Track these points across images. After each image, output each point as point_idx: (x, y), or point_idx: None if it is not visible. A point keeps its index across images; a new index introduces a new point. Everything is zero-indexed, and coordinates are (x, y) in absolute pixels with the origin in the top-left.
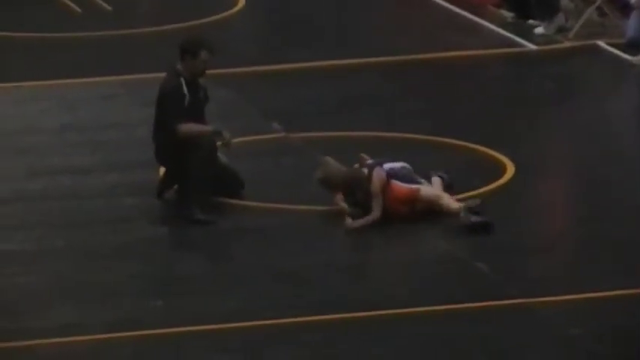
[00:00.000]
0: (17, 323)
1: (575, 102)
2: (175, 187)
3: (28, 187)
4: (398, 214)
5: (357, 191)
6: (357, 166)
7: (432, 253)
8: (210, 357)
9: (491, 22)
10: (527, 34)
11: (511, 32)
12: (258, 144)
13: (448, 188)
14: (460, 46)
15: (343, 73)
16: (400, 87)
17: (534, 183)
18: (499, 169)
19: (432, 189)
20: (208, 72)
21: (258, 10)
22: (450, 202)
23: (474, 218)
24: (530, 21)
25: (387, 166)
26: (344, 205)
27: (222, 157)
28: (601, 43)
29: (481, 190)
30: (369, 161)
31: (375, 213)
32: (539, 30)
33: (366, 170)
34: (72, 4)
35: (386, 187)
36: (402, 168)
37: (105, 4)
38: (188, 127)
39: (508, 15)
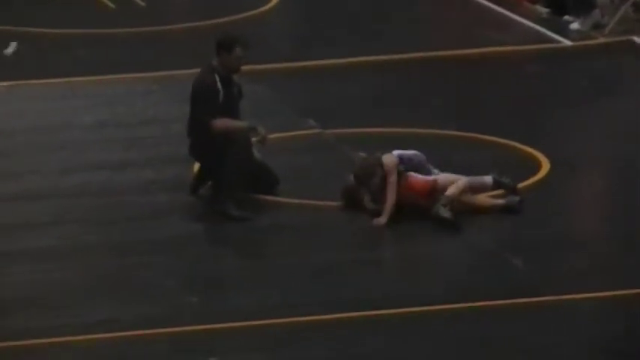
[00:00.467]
0: (53, 319)
1: (610, 98)
2: (209, 183)
3: (65, 183)
4: (418, 206)
5: (374, 177)
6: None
7: (466, 249)
8: (245, 354)
9: (526, 18)
10: (563, 30)
11: (546, 28)
12: (292, 140)
13: (496, 186)
14: (495, 42)
15: (378, 69)
16: (435, 83)
17: (569, 179)
18: (534, 166)
19: (449, 178)
20: (243, 68)
21: (292, 6)
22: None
23: (446, 214)
24: (566, 17)
25: (397, 152)
26: (372, 205)
27: (256, 153)
28: (637, 39)
29: (518, 186)
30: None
31: (390, 197)
32: (574, 26)
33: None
34: (107, 1)
35: (401, 175)
36: (415, 155)
37: (139, 1)
38: (223, 123)
39: (543, 11)
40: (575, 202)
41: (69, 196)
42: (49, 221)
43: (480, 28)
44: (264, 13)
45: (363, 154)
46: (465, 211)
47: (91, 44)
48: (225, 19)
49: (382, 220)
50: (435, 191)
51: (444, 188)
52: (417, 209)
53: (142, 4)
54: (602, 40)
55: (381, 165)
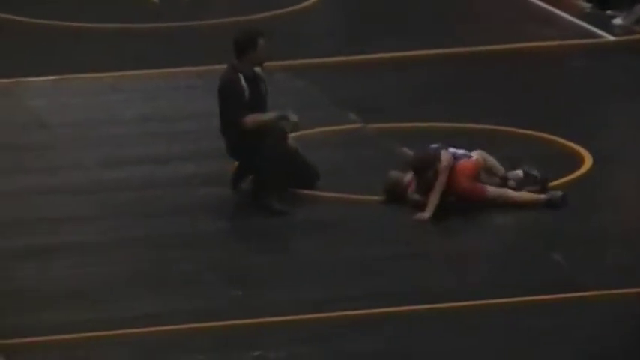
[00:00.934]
0: (95, 313)
1: None
2: (249, 178)
3: (107, 177)
4: (461, 190)
5: (429, 170)
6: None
7: (507, 244)
8: (288, 348)
9: (569, 12)
10: (605, 25)
11: (589, 23)
12: (334, 135)
13: (534, 183)
14: (537, 37)
15: (420, 63)
16: (476, 78)
17: (612, 174)
18: (577, 161)
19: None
20: (285, 63)
21: (334, 1)
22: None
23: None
24: (609, 12)
25: (452, 150)
26: (416, 197)
27: (293, 144)
28: None
29: (559, 182)
30: (433, 145)
31: (436, 195)
32: (617, 21)
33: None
34: None
35: (452, 169)
36: (465, 155)
37: None
38: (252, 118)
39: (586, 5)
40: (618, 197)
41: (111, 191)
42: (92, 215)
43: (523, 23)
44: (305, 9)
45: (406, 150)
46: (507, 206)
47: (134, 39)
48: (267, 14)
49: (426, 215)
50: (479, 170)
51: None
52: (459, 193)
53: None
54: None
55: (438, 160)
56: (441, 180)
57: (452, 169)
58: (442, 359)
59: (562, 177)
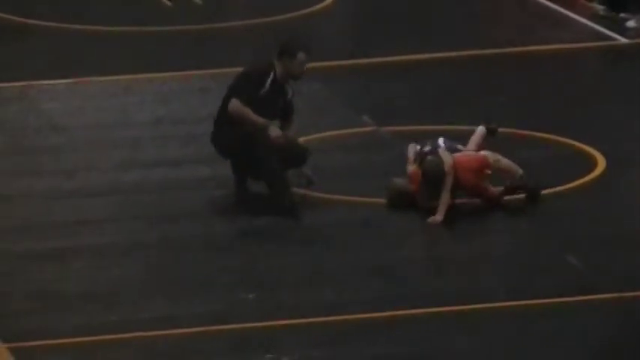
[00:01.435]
0: (112, 315)
1: None
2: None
3: (122, 180)
4: (469, 184)
5: (444, 177)
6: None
7: (522, 246)
8: (302, 351)
9: (582, 15)
10: (619, 28)
11: (602, 26)
12: (348, 137)
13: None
14: (551, 40)
15: (434, 66)
16: (491, 80)
17: (626, 176)
18: (590, 163)
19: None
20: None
21: (349, 3)
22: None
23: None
24: (622, 14)
25: (442, 145)
26: (427, 203)
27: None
28: None
29: (573, 184)
30: (426, 148)
31: (446, 195)
32: (630, 24)
33: (430, 157)
34: None
35: (456, 164)
36: (446, 141)
37: None
38: (241, 107)
39: (600, 8)
40: (631, 199)
41: (126, 193)
42: (107, 218)
43: (537, 25)
44: (320, 11)
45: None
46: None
47: (149, 41)
48: (282, 16)
49: (438, 217)
50: (486, 167)
51: (498, 167)
52: (467, 186)
53: (199, 2)
54: None
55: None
56: (449, 181)
57: (456, 164)
58: None
59: (576, 179)
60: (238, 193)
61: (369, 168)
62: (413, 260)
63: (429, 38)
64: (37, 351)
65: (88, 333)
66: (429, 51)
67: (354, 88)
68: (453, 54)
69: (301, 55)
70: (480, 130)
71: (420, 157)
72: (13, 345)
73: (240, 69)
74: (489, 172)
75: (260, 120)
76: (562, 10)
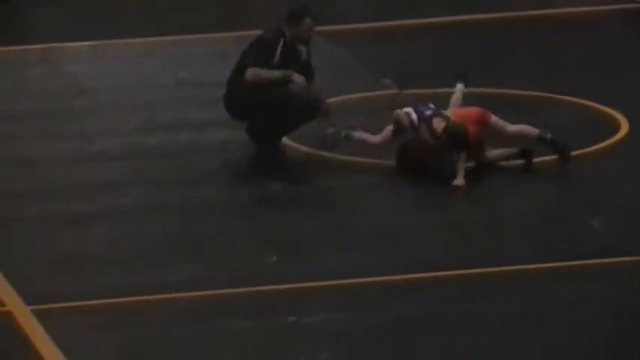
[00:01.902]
0: (132, 279)
1: None
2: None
3: (143, 143)
4: (474, 138)
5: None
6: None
7: (543, 209)
8: (323, 313)
9: None
10: None
11: None
12: (369, 101)
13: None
14: (574, 3)
15: (456, 29)
16: (512, 44)
17: None
18: (613, 126)
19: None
20: (322, 29)
21: None
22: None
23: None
24: None
25: (429, 108)
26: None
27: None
28: None
29: (595, 147)
30: (413, 116)
31: (463, 157)
32: None
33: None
34: None
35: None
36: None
37: None
38: (256, 72)
39: None
40: None
41: (148, 157)
42: (129, 181)
43: None
44: None
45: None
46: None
47: (170, 4)
48: None
49: (460, 181)
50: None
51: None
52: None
53: None
54: None
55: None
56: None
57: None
58: (479, 324)
59: (599, 142)
60: (257, 154)
61: None
62: (434, 224)
63: (451, 1)
64: (59, 313)
65: (109, 296)
66: (451, 14)
67: (375, 52)
68: (475, 17)
69: (307, 21)
70: (459, 88)
71: (417, 122)
72: (35, 307)
73: (260, 32)
74: (488, 124)
75: (277, 73)
76: None
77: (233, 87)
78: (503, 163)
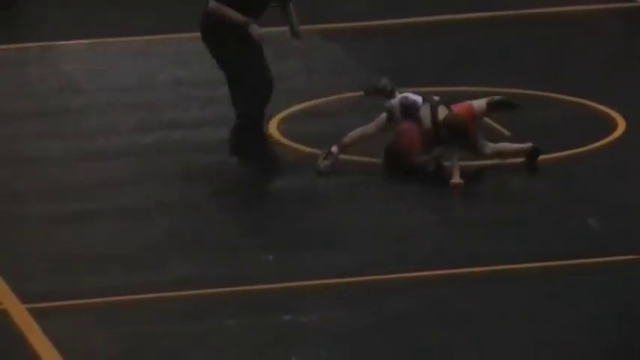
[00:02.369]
0: (131, 277)
1: None
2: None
3: (141, 142)
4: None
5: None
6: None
7: (539, 209)
8: (320, 312)
9: None
10: None
11: None
12: (367, 99)
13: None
14: (573, 1)
15: (454, 28)
16: (512, 41)
17: None
18: (610, 125)
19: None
20: (318, 27)
21: None
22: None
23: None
24: None
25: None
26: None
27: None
28: None
29: (592, 146)
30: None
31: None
32: None
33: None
34: None
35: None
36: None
37: None
38: (221, 6)
39: None
40: None
41: (146, 155)
42: (127, 180)
43: None
44: None
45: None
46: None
47: (167, 2)
48: None
49: (458, 180)
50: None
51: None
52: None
53: None
54: None
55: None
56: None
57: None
58: (474, 323)
59: (596, 141)
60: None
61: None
62: (429, 223)
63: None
64: (58, 312)
65: (108, 294)
66: (449, 12)
67: (373, 50)
68: (474, 15)
69: None
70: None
71: (421, 102)
72: (33, 305)
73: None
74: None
75: (239, 17)
76: None
77: (208, 31)
78: (503, 160)
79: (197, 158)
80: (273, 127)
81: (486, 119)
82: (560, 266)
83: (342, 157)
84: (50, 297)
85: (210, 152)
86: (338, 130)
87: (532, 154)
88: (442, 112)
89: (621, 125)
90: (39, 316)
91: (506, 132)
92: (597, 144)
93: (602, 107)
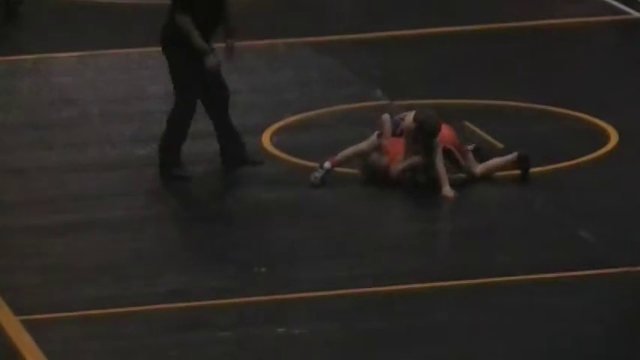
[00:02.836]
0: (121, 289)
1: None
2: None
3: (134, 153)
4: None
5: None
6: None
7: (533, 220)
8: (312, 324)
9: None
10: (632, 2)
11: (616, 0)
12: (361, 111)
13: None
14: (565, 14)
15: (448, 40)
16: (505, 54)
17: (638, 150)
18: (603, 137)
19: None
20: (311, 39)
21: None
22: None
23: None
24: None
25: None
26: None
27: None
28: None
29: (585, 158)
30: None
31: (440, 164)
32: None
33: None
34: None
35: None
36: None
37: None
38: (188, 26)
39: None
40: None
41: (138, 167)
42: (120, 192)
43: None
44: None
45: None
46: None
47: (160, 14)
48: None
49: (448, 191)
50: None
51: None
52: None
53: None
54: None
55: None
56: (438, 147)
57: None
58: (464, 335)
59: (588, 154)
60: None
61: None
62: (422, 234)
63: (442, 12)
64: (49, 323)
65: (99, 306)
66: (442, 25)
67: (366, 62)
68: (466, 28)
69: None
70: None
71: (395, 127)
72: (24, 317)
73: (250, 42)
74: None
75: (201, 44)
76: None
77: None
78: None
79: (189, 170)
80: (265, 139)
81: (479, 132)
82: (552, 278)
83: (337, 169)
84: (41, 309)
85: (202, 164)
86: (331, 142)
87: (522, 162)
88: (409, 115)
89: (614, 137)
90: (31, 327)
91: (499, 144)
92: (590, 156)
93: (594, 119)
